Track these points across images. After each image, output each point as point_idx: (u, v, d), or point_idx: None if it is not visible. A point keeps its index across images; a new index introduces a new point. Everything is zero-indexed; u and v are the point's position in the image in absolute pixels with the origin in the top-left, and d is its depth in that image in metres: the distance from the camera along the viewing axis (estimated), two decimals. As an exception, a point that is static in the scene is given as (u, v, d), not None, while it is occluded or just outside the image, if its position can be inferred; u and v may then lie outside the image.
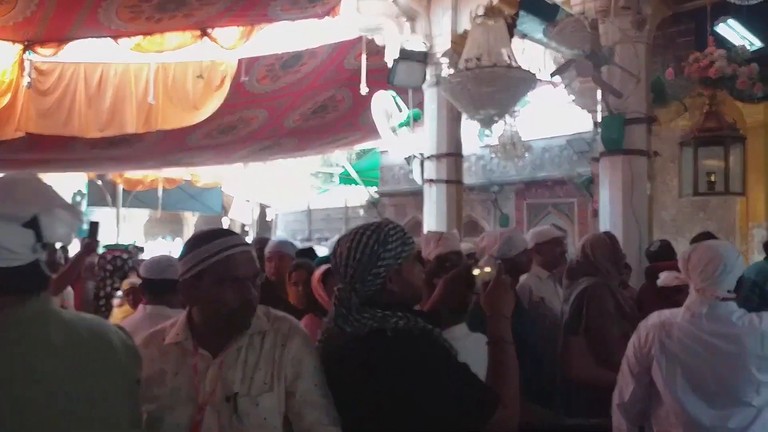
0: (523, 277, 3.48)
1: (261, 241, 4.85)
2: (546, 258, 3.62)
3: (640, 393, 2.34)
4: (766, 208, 7.62)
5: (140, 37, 5.93)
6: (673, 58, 6.29)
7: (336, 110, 8.66)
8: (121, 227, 16.84)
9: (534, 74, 4.71)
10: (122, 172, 13.75)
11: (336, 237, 1.81)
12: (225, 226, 19.61)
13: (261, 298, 3.76)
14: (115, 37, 5.93)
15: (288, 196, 19.96)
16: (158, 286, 2.65)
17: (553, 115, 8.73)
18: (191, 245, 1.55)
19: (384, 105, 7.05)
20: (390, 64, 6.05)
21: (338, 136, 10.19)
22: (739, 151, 4.55)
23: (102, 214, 17.91)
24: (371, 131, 8.41)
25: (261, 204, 19.75)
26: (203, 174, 15.53)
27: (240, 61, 6.65)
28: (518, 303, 3.03)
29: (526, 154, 8.07)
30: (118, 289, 5.74)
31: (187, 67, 6.65)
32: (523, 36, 6.71)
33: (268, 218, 20.56)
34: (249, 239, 15.36)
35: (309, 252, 4.30)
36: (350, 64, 7.34)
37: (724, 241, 2.46)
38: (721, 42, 5.84)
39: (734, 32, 6.11)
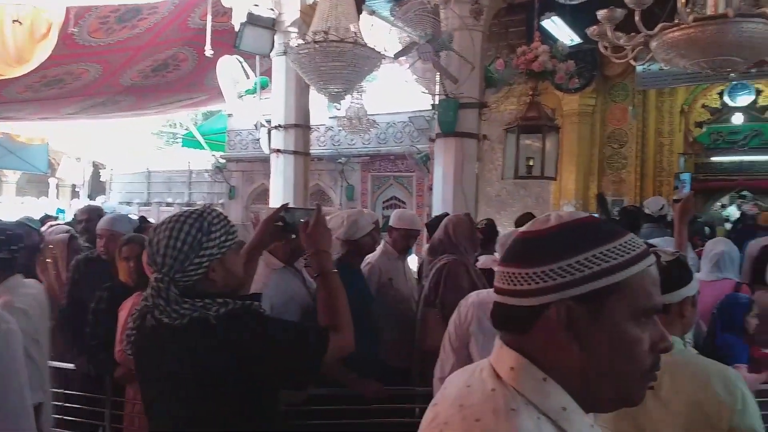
0: (373, 257, 3.58)
1: (92, 211, 4.46)
2: (397, 242, 3.73)
3: (458, 367, 2.57)
4: (575, 187, 8.64)
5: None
6: (507, 47, 6.79)
7: (178, 69, 8.19)
8: None
9: (380, 52, 4.82)
10: None
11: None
12: (53, 187, 17.66)
13: (89, 274, 3.52)
14: None
15: (126, 156, 18.61)
16: None
17: (398, 92, 9.06)
18: (576, 238, 0.83)
19: (230, 70, 6.83)
20: (237, 28, 5.86)
21: (181, 96, 9.67)
22: (554, 139, 5.09)
23: None
24: (217, 93, 8.09)
25: (94, 163, 18.20)
26: (26, 128, 13.90)
27: (68, 9, 6.01)
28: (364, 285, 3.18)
29: (372, 129, 8.32)
30: None
31: (2, 11, 5.87)
32: (372, 12, 6.85)
33: (101, 179, 19.01)
34: (80, 203, 14.14)
35: (141, 221, 4.09)
36: (194, 23, 6.97)
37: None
38: (547, 36, 6.43)
39: (558, 28, 6.73)
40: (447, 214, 4.70)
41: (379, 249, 3.65)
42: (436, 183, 5.38)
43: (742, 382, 1.56)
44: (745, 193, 11.12)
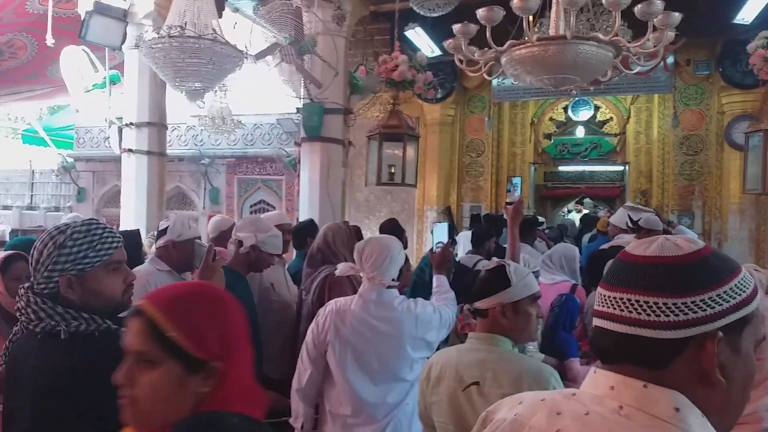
0: None
1: None
2: None
3: (316, 377, 2.53)
4: (437, 193, 8.95)
5: None
6: (372, 55, 6.89)
7: (15, 58, 7.39)
8: None
9: (241, 51, 4.68)
10: None
11: None
12: None
13: None
14: None
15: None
16: None
17: (266, 92, 8.85)
18: (718, 267, 0.84)
19: (75, 61, 6.27)
20: (84, 16, 5.40)
21: (19, 87, 8.75)
22: (414, 147, 5.22)
23: None
24: (63, 86, 7.43)
25: None
26: None
27: None
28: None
29: (237, 129, 8.05)
30: None
31: None
32: (236, 10, 6.63)
33: None
34: None
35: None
36: (34, 7, 6.32)
37: (391, 236, 2.80)
38: (411, 46, 6.60)
39: (421, 38, 6.94)
40: (311, 221, 4.67)
41: None
42: (302, 188, 5.33)
43: (556, 378, 1.73)
44: (586, 199, 12.26)
